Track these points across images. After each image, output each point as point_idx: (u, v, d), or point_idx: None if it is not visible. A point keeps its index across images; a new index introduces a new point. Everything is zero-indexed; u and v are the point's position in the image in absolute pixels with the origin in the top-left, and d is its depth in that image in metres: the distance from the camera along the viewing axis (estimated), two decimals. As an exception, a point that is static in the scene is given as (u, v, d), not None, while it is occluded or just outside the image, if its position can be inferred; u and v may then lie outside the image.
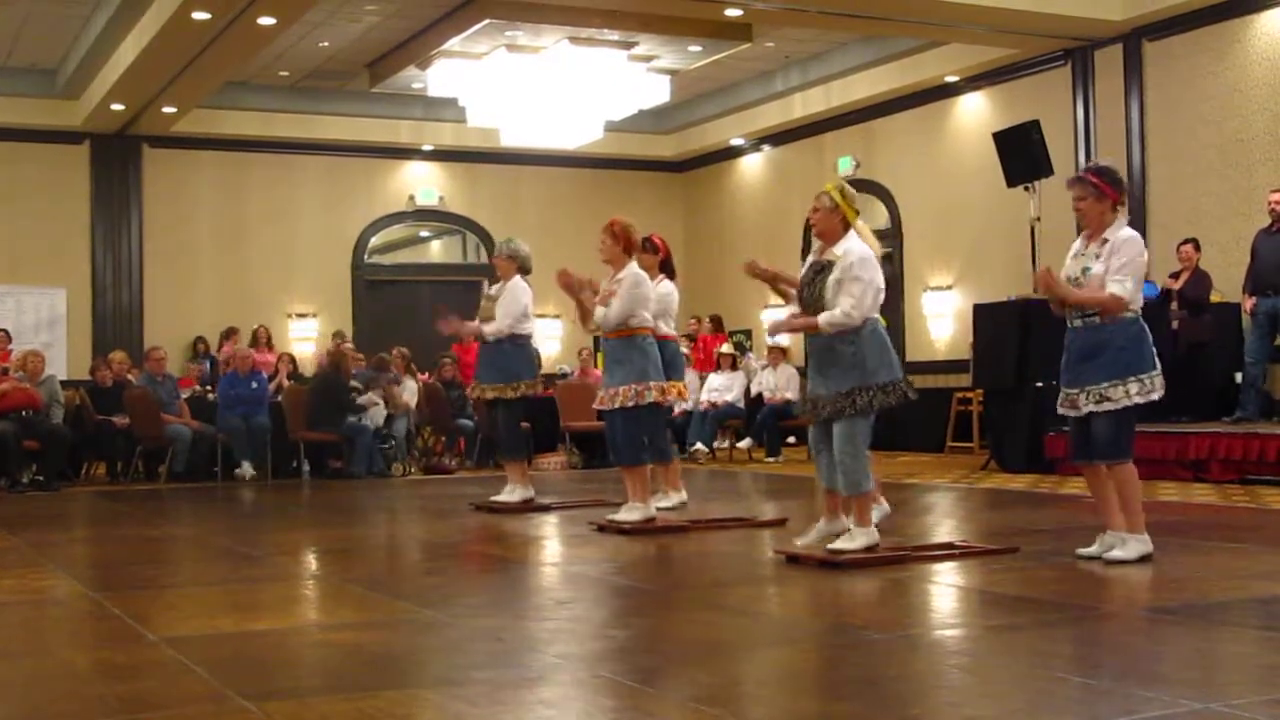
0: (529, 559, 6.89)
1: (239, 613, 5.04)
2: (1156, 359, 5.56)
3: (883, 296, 5.82)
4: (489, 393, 8.58)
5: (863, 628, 4.53)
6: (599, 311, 7.25)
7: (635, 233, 7.45)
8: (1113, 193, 5.59)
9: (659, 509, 7.51)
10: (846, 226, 5.81)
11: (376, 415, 12.89)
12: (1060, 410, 5.72)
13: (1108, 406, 5.46)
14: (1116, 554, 5.51)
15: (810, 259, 5.95)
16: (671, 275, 8.19)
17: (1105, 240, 5.55)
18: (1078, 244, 5.71)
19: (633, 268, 7.36)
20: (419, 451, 13.81)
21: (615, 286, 7.31)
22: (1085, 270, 5.56)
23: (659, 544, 6.73)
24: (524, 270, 8.65)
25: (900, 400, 5.72)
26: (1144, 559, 5.50)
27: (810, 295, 5.81)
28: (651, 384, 7.19)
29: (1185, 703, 3.24)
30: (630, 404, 7.17)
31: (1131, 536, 5.54)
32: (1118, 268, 5.46)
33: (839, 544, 5.75)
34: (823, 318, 5.69)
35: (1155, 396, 5.50)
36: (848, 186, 5.99)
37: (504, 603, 5.32)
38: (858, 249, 5.75)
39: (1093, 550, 5.65)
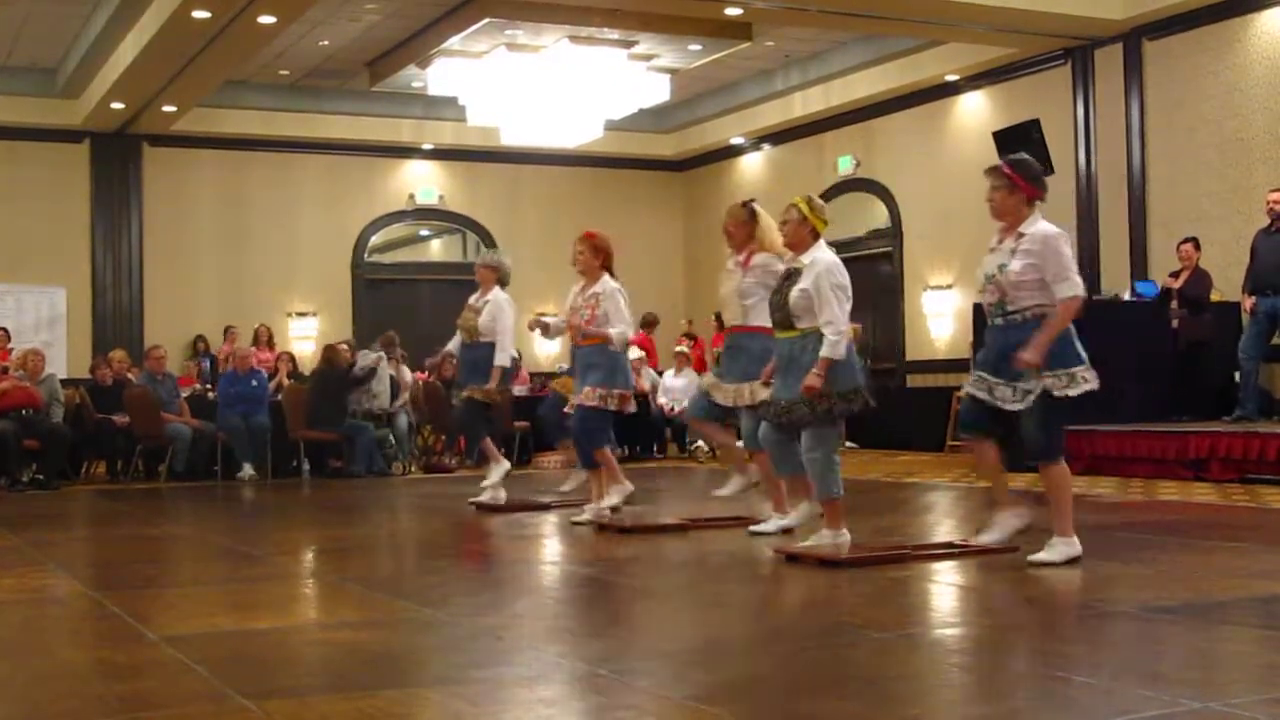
0: (528, 558, 6.89)
1: (239, 612, 5.04)
2: (1082, 353, 5.39)
3: (850, 302, 5.94)
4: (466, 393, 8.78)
5: (863, 627, 4.53)
6: (614, 336, 7.36)
7: (611, 247, 7.54)
8: (1026, 187, 5.48)
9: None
10: (816, 237, 6.03)
11: (382, 396, 12.99)
12: (967, 388, 5.56)
13: (1030, 401, 5.34)
14: (1042, 556, 5.37)
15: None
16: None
17: (1021, 235, 5.42)
18: (993, 239, 5.60)
19: (607, 282, 7.45)
20: (419, 450, 13.82)
21: (591, 301, 7.40)
22: (1001, 267, 5.42)
23: (658, 543, 6.74)
24: (502, 283, 8.77)
25: (862, 407, 5.86)
26: (1071, 562, 5.36)
27: (776, 300, 6.03)
28: (617, 391, 7.36)
29: (1185, 702, 3.24)
30: (591, 403, 7.33)
31: (1060, 539, 5.41)
32: (1055, 273, 5.30)
33: (810, 541, 5.94)
34: (825, 353, 5.73)
35: (1077, 391, 5.31)
36: (815, 198, 6.16)
37: (503, 601, 5.33)
38: (825, 257, 5.94)
39: (992, 537, 5.67)
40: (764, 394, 6.36)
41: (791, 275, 5.99)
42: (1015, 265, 5.38)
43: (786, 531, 6.62)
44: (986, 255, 5.58)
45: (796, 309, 5.86)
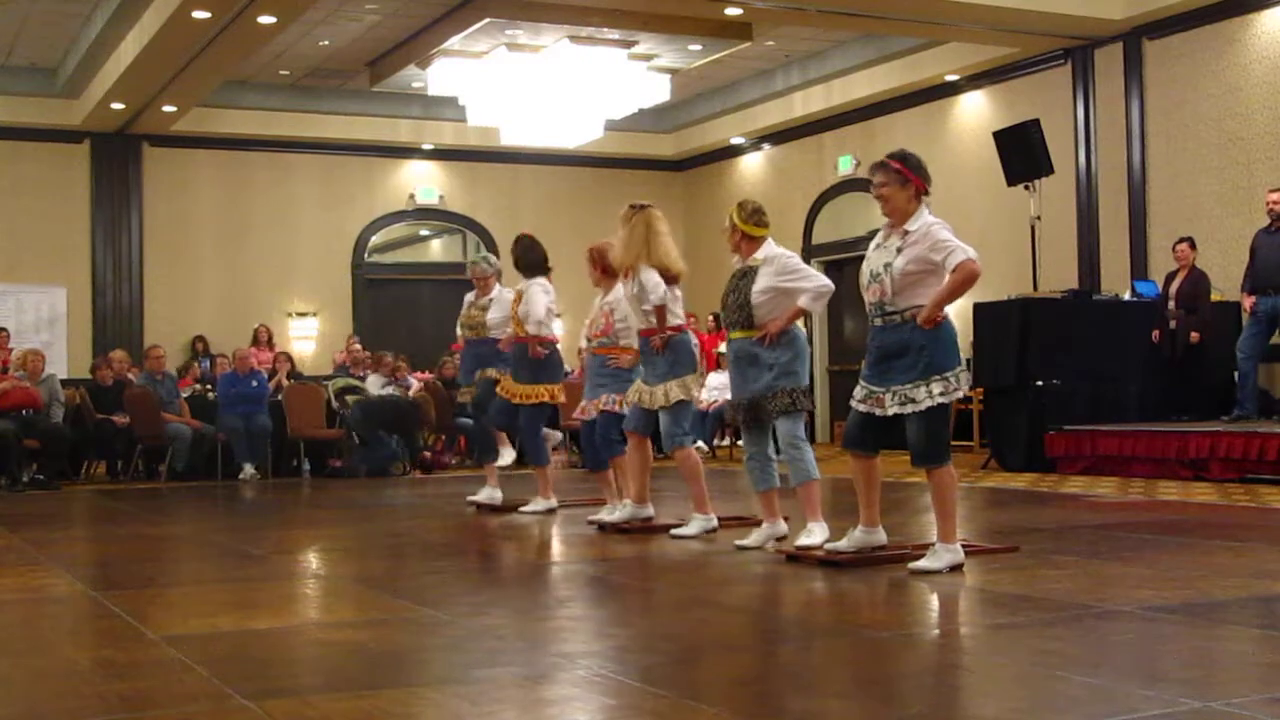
0: (528, 558, 6.90)
1: (239, 611, 5.04)
2: (961, 356, 5.35)
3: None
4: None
5: (863, 627, 4.53)
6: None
7: (611, 252, 7.55)
8: (916, 180, 5.37)
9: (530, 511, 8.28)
10: (758, 239, 6.27)
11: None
12: (854, 403, 5.48)
13: (911, 409, 5.26)
14: (924, 564, 5.31)
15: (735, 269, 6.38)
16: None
17: (906, 232, 5.31)
18: (879, 235, 5.49)
19: (619, 289, 7.45)
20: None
21: (606, 310, 7.50)
22: (886, 265, 5.32)
23: (658, 543, 6.74)
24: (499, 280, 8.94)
25: (809, 409, 6.19)
26: (954, 569, 5.32)
27: (735, 300, 6.20)
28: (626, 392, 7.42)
29: (1185, 702, 3.24)
30: (613, 408, 7.41)
31: (942, 546, 5.35)
32: (943, 253, 5.21)
33: (802, 541, 6.00)
34: (804, 300, 6.08)
35: (960, 394, 5.31)
36: (750, 205, 6.32)
37: (504, 601, 5.33)
38: (780, 250, 6.25)
39: (842, 544, 5.61)
40: (678, 394, 6.72)
41: (746, 275, 6.20)
42: (899, 262, 5.28)
43: (779, 540, 6.50)
44: (871, 252, 5.47)
45: (759, 305, 6.09)
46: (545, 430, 8.52)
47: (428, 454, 13.18)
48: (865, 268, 5.47)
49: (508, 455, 8.74)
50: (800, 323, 6.22)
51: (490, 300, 8.73)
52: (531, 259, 8.33)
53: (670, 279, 6.84)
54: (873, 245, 5.50)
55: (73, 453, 12.33)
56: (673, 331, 6.81)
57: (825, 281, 6.16)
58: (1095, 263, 13.13)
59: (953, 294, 5.25)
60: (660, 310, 6.76)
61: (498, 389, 8.41)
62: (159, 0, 12.05)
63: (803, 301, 6.07)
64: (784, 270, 6.13)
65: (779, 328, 6.06)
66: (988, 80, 14.39)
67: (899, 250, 5.31)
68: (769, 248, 6.23)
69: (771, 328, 6.06)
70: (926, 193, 5.41)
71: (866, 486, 5.58)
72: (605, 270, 7.53)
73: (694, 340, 7.02)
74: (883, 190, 5.40)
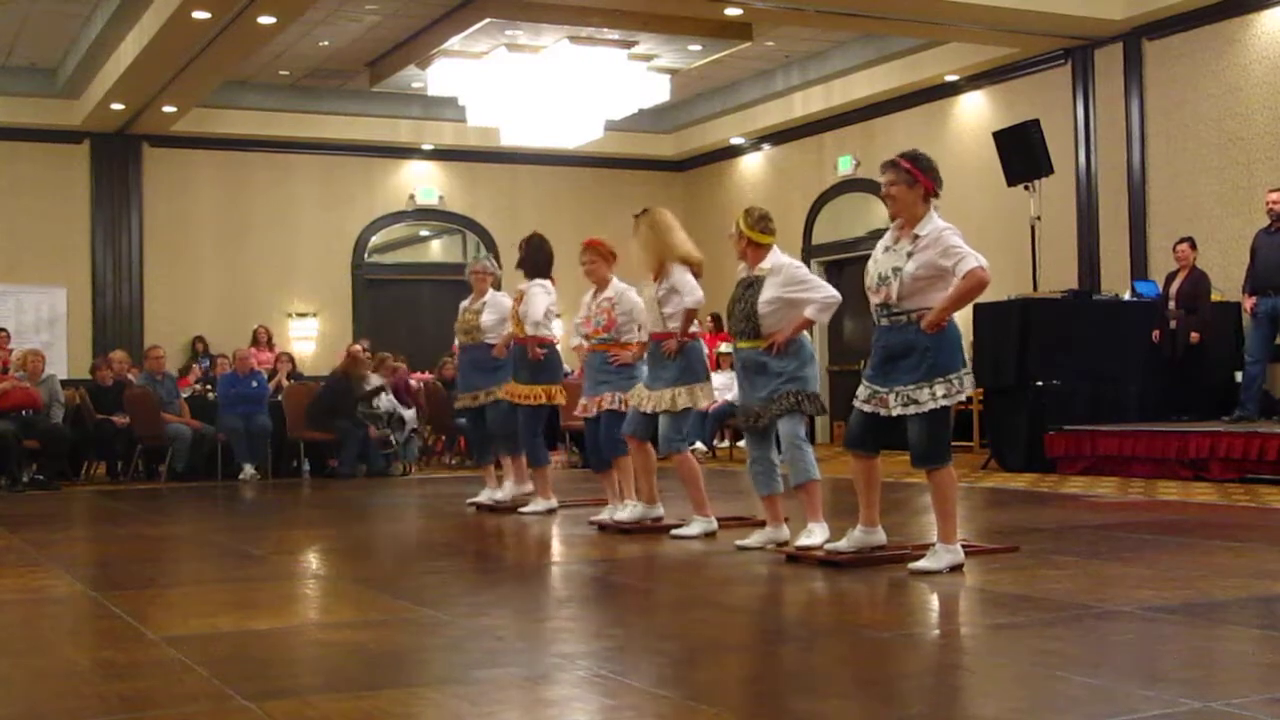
0: (529, 558, 6.89)
1: (239, 612, 5.04)
2: (966, 358, 5.34)
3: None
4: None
5: (863, 627, 4.53)
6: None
7: (613, 249, 7.59)
8: (926, 180, 5.32)
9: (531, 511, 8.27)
10: (764, 247, 6.23)
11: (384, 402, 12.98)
12: (857, 403, 5.46)
13: (914, 410, 5.25)
14: (924, 564, 5.30)
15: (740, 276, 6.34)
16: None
17: (916, 236, 5.28)
18: (887, 237, 5.45)
19: (617, 284, 7.48)
20: (419, 450, 13.80)
21: (605, 306, 7.45)
22: (896, 270, 5.29)
23: (658, 543, 6.74)
24: (496, 287, 8.92)
25: (818, 411, 6.17)
26: (954, 569, 5.32)
27: (742, 310, 6.18)
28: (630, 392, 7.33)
29: (1185, 702, 3.24)
30: (618, 407, 7.35)
31: (943, 546, 5.35)
32: (953, 260, 5.19)
33: (802, 541, 6.01)
34: (811, 311, 6.07)
35: (964, 396, 5.30)
36: (757, 212, 6.28)
37: (504, 601, 5.33)
38: (784, 260, 6.22)
39: (842, 544, 5.61)
40: (685, 401, 6.72)
41: (752, 284, 6.17)
42: (910, 267, 5.25)
43: (780, 545, 6.51)
44: (880, 254, 5.43)
45: (766, 316, 6.07)
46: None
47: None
48: (873, 269, 5.43)
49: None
50: (805, 331, 6.20)
51: (484, 303, 8.74)
52: (537, 259, 8.30)
53: (695, 273, 6.86)
54: (881, 247, 5.47)
55: (73, 453, 12.32)
56: (689, 338, 6.80)
57: (832, 292, 6.13)
58: (1095, 263, 13.13)
59: (959, 301, 5.24)
60: (692, 314, 6.77)
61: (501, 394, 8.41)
62: (159, 0, 12.05)
63: (809, 312, 6.06)
64: (791, 280, 6.10)
65: (785, 338, 6.05)
66: (988, 80, 14.38)
67: (909, 255, 5.28)
68: (775, 256, 6.20)
69: (778, 338, 6.05)
70: (936, 195, 5.38)
71: (867, 487, 5.58)
72: (610, 266, 7.53)
73: (705, 349, 7.01)
74: (891, 190, 5.38)
